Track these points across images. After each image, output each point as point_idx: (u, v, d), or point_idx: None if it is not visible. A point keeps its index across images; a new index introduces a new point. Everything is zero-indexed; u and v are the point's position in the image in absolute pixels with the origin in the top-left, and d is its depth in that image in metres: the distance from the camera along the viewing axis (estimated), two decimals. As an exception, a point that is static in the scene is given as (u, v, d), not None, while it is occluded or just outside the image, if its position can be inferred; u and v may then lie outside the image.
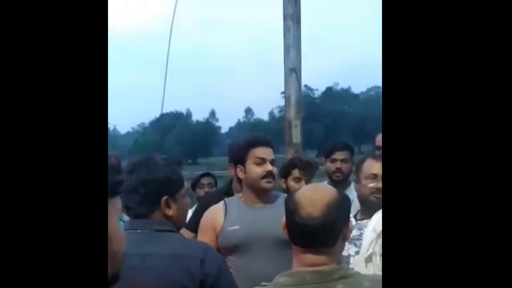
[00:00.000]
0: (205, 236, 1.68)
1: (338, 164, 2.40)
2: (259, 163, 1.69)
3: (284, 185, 2.22)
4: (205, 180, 2.88)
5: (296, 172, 2.20)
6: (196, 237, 1.98)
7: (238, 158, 1.73)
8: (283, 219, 1.01)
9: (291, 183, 2.20)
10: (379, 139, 2.51)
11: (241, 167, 1.72)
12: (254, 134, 1.95)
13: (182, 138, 45.04)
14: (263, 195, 1.74)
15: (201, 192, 2.81)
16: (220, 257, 1.22)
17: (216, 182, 2.94)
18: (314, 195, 0.96)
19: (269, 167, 1.70)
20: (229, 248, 1.65)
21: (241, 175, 1.73)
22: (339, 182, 2.39)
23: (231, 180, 2.30)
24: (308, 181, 2.19)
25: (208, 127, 52.59)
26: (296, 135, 3.57)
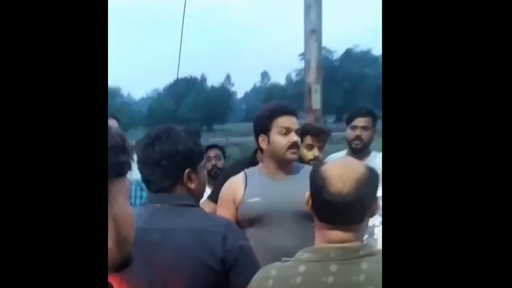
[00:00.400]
0: (224, 208, 1.64)
1: (358, 132, 2.32)
2: (284, 133, 1.61)
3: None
4: (212, 153, 2.75)
5: (308, 139, 2.13)
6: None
7: (261, 127, 1.65)
8: (307, 193, 0.98)
9: (304, 150, 2.13)
10: None
11: (264, 137, 1.64)
12: (278, 102, 1.87)
13: (197, 104, 45.09)
14: (285, 166, 1.67)
15: (208, 165, 2.70)
16: (241, 233, 1.18)
17: (224, 154, 2.83)
18: (344, 171, 0.92)
19: (294, 137, 1.62)
20: (248, 221, 1.61)
21: (263, 145, 1.65)
22: (358, 150, 2.32)
23: (256, 150, 2.23)
24: (320, 148, 2.14)
25: (224, 92, 52.34)
26: (316, 101, 3.50)
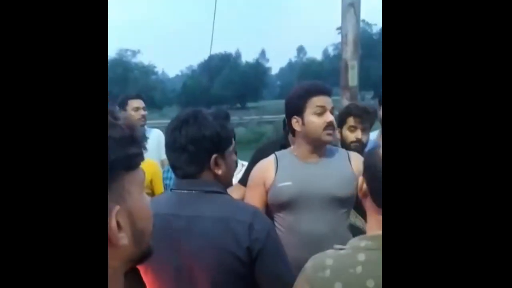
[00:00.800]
0: (254, 191, 1.59)
1: None
2: (319, 113, 1.53)
3: (338, 135, 2.06)
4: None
5: (351, 120, 2.02)
6: None
7: (294, 108, 1.57)
8: (360, 178, 0.93)
9: (346, 132, 2.05)
10: None
11: (298, 118, 1.57)
12: (311, 81, 1.75)
13: (231, 81, 44.98)
14: (318, 148, 1.60)
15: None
16: (268, 222, 1.14)
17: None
18: None
19: (330, 117, 1.54)
20: (279, 205, 1.56)
21: (297, 127, 1.57)
22: None
23: (288, 131, 2.16)
24: (364, 130, 2.02)
25: (258, 68, 51.81)
26: (353, 77, 3.39)
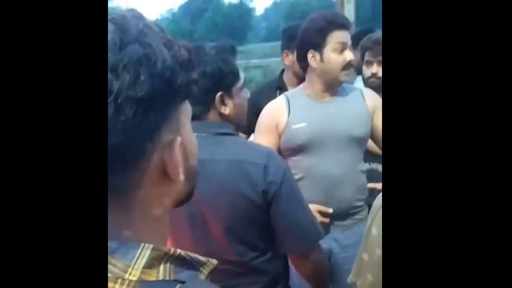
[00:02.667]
0: (265, 136, 1.47)
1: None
2: (340, 50, 1.41)
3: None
4: None
5: (366, 55, 1.92)
6: (248, 138, 1.81)
7: (313, 42, 1.42)
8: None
9: (363, 67, 1.94)
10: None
11: (315, 53, 1.42)
12: (333, 12, 1.60)
13: (214, 23, 43.36)
14: (333, 87, 1.48)
15: None
16: (283, 164, 1.07)
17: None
18: None
19: (350, 55, 1.42)
20: (294, 148, 1.46)
21: (314, 63, 1.43)
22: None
23: (283, 71, 2.07)
24: (380, 63, 1.88)
25: (242, 9, 49.55)
26: (349, 12, 3.14)
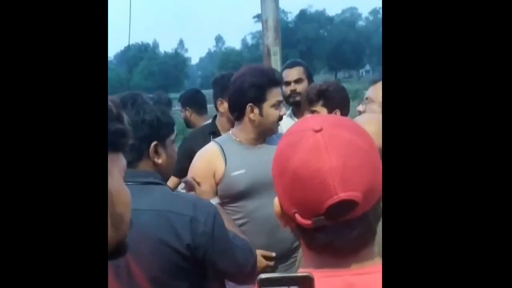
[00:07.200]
0: (204, 186, 1.46)
1: (292, 86, 2.13)
2: (277, 106, 1.49)
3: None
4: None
5: (314, 107, 2.01)
6: (180, 182, 1.81)
7: (254, 96, 1.46)
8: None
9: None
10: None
11: (254, 107, 1.46)
12: (269, 68, 1.67)
13: (150, 71, 43.27)
14: (266, 136, 1.55)
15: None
16: (211, 209, 1.07)
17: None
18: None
19: (284, 110, 1.53)
20: (235, 195, 1.48)
21: (252, 115, 1.47)
22: (298, 103, 2.07)
23: (215, 117, 2.12)
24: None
25: (177, 58, 50.37)
26: (276, 63, 3.33)
